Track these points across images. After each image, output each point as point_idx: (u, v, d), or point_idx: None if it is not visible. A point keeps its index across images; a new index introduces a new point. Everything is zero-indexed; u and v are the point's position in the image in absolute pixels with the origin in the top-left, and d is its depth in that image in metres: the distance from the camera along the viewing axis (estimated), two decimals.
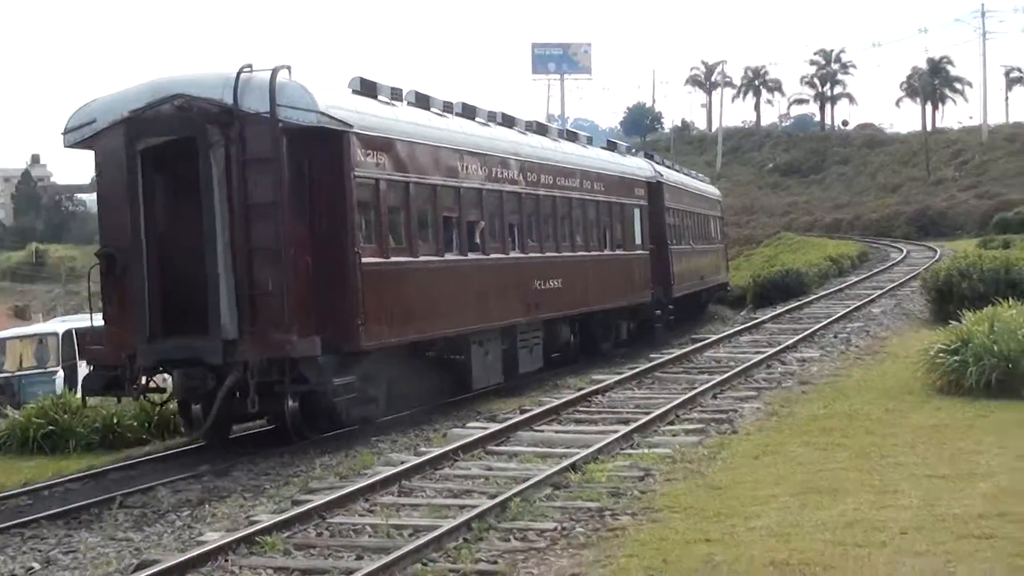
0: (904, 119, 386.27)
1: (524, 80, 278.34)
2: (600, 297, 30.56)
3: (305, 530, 12.27)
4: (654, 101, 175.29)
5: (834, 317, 31.48)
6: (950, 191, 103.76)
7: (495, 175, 25.07)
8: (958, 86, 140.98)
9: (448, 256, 22.86)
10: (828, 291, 42.20)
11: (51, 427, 24.32)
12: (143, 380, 19.69)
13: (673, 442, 16.18)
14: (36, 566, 12.86)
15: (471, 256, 23.86)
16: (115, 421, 24.50)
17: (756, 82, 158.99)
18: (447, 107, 24.45)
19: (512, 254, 25.78)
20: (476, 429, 17.80)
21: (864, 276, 49.36)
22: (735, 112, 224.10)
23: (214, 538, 12.13)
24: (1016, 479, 13.06)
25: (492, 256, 24.72)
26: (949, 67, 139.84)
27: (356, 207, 19.50)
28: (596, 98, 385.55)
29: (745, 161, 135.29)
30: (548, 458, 15.47)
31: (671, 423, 17.71)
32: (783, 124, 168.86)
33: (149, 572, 10.58)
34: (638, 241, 34.27)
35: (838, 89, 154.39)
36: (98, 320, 22.46)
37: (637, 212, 34.24)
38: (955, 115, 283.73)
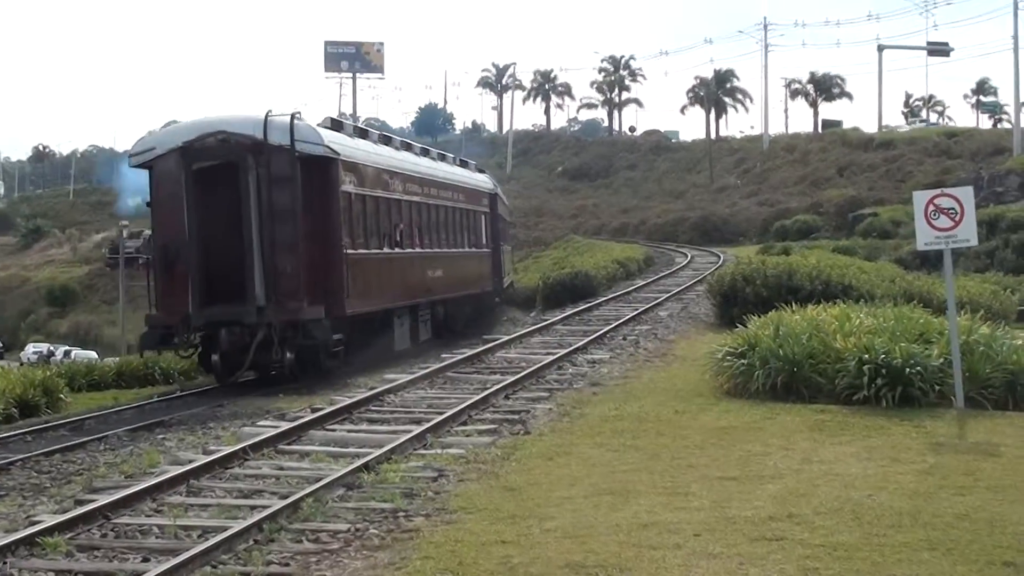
0: (689, 126, 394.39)
1: (317, 78, 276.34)
2: (463, 285, 38.79)
3: (89, 531, 11.83)
4: (446, 102, 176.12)
5: (623, 319, 31.79)
6: (732, 198, 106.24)
7: (407, 189, 33.05)
8: (740, 96, 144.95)
9: (386, 250, 30.99)
10: (616, 293, 42.61)
11: None
12: (194, 336, 27.53)
13: (466, 442, 16.09)
14: None
15: (396, 250, 31.86)
16: None
17: (546, 86, 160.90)
18: (384, 139, 33.94)
19: (416, 249, 33.62)
20: (267, 428, 17.45)
21: (651, 279, 50.02)
22: (526, 115, 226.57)
23: None
24: (802, 480, 13.33)
25: (407, 251, 32.82)
26: (733, 79, 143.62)
27: (340, 213, 27.50)
28: (389, 97, 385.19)
29: (535, 164, 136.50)
30: (340, 458, 15.25)
31: (464, 423, 17.61)
32: (572, 128, 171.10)
33: None
34: (484, 241, 42.89)
35: (626, 95, 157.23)
36: None
37: (483, 218, 42.96)
38: (737, 124, 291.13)
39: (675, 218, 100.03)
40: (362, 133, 32.10)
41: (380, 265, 30.34)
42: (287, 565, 10.62)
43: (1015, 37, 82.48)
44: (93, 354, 67.77)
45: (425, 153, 38.04)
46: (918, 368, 18.25)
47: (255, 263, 26.27)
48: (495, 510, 12.27)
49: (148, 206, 28.95)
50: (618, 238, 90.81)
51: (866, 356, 18.60)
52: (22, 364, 52.16)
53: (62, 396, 29.40)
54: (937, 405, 18.03)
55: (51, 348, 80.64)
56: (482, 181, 44.55)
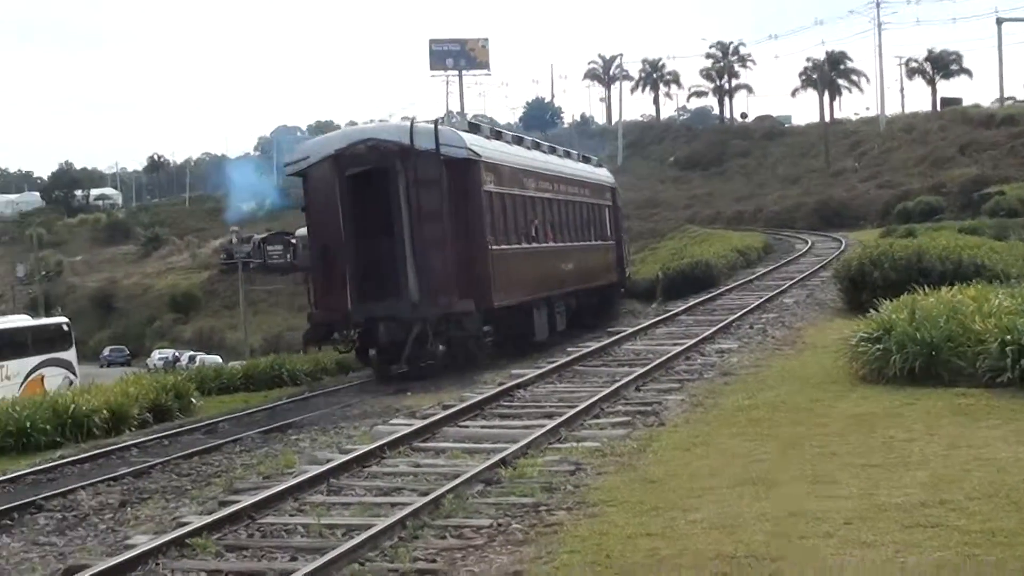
0: (802, 110, 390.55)
1: (423, 77, 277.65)
2: (592, 277, 40.12)
3: (236, 531, 11.92)
4: (553, 96, 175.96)
5: (748, 308, 31.45)
6: (850, 182, 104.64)
7: (539, 186, 34.77)
8: (854, 77, 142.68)
9: (524, 244, 32.62)
10: (738, 282, 42.20)
11: None
12: (353, 332, 29.47)
13: (601, 435, 15.96)
14: None
15: (533, 245, 33.49)
16: (28, 425, 24.08)
17: (654, 75, 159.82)
18: (516, 139, 35.98)
19: (550, 243, 35.26)
20: (400, 426, 17.46)
21: (772, 267, 49.44)
22: (634, 106, 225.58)
23: (142, 541, 11.75)
24: (951, 466, 13.00)
25: (542, 245, 34.47)
26: (846, 60, 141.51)
27: (484, 211, 29.35)
28: (495, 93, 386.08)
29: (646, 155, 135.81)
30: (476, 454, 15.21)
31: (597, 416, 17.49)
32: (681, 117, 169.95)
33: None
34: (608, 234, 44.07)
35: (736, 81, 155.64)
36: (4, 323, 23.58)
37: (607, 211, 44.25)
38: (852, 106, 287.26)
39: (792, 204, 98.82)
40: (497, 135, 34.14)
41: (520, 259, 31.94)
42: (434, 561, 10.58)
43: None
44: (217, 358, 68.68)
45: (552, 151, 39.77)
46: None
47: (408, 261, 28.32)
48: (637, 502, 12.12)
49: (303, 211, 31.06)
50: (735, 226, 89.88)
51: (1008, 338, 18.07)
52: (149, 370, 53.09)
53: (193, 400, 29.91)
54: None
55: (176, 354, 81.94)
56: (604, 175, 46.00)
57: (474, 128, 32.23)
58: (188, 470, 19.04)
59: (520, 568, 10.13)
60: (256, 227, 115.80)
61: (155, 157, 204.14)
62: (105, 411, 25.91)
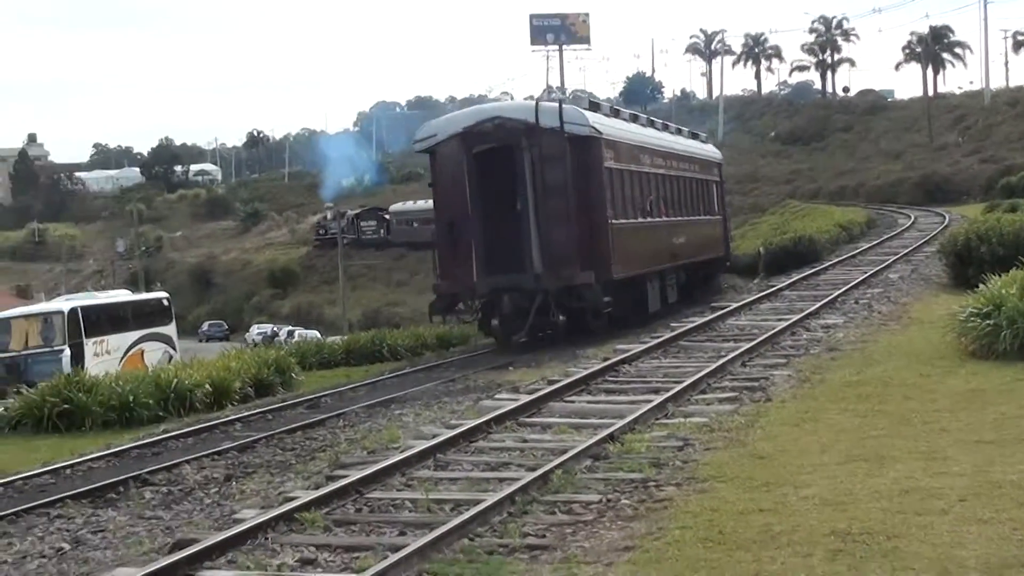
0: (905, 84, 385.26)
1: (523, 52, 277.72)
2: (700, 251, 40.87)
3: (344, 506, 11.96)
4: (653, 70, 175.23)
5: (852, 283, 31.07)
6: (954, 156, 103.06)
7: (653, 162, 35.57)
8: (959, 51, 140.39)
9: (640, 219, 33.53)
10: (841, 257, 41.71)
11: (66, 405, 24.20)
12: (477, 303, 30.48)
13: (708, 411, 15.85)
14: (66, 546, 12.50)
15: (648, 219, 34.38)
16: (131, 399, 24.38)
17: (756, 50, 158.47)
18: (632, 117, 37.29)
19: (663, 218, 36.07)
20: (506, 401, 17.44)
21: (875, 242, 48.79)
22: (735, 81, 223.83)
23: (251, 515, 11.82)
24: None
25: (657, 219, 35.34)
26: (950, 33, 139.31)
27: (605, 186, 30.20)
28: (595, 68, 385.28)
29: (747, 129, 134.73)
30: (582, 429, 15.16)
31: (703, 392, 17.37)
32: (783, 92, 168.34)
33: (190, 552, 10.24)
34: (716, 208, 45.14)
35: (839, 55, 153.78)
36: (105, 298, 23.81)
37: (714, 187, 45.24)
38: (956, 80, 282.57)
39: (894, 179, 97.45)
40: (615, 112, 35.26)
41: (637, 233, 32.95)
42: (543, 536, 10.54)
43: None
44: (316, 333, 69.15)
45: (665, 128, 40.98)
46: None
47: (532, 235, 29.31)
48: (747, 478, 12.01)
49: (430, 187, 32.15)
50: (836, 201, 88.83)
51: None
52: (247, 345, 53.58)
53: (294, 375, 30.13)
54: None
55: (275, 328, 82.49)
56: (711, 151, 47.07)
57: (594, 106, 32.95)
58: (292, 444, 19.15)
59: (631, 544, 10.07)
60: (353, 203, 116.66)
61: (254, 133, 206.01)
62: (208, 386, 26.21)
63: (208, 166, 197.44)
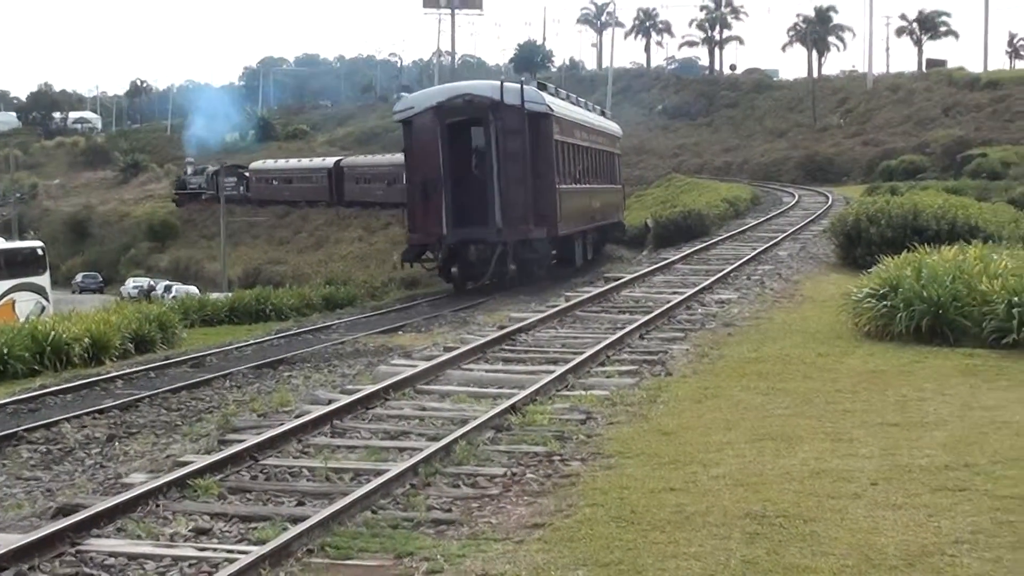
0: (790, 65, 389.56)
1: (415, 14, 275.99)
2: (607, 215, 46.07)
3: (238, 472, 11.51)
4: (544, 39, 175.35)
5: (743, 259, 31.08)
6: (836, 138, 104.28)
7: (581, 136, 40.71)
8: (842, 34, 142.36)
9: (574, 185, 38.99)
10: (730, 233, 41.78)
11: None
12: (445, 253, 34.77)
13: (609, 384, 15.60)
14: None
15: (579, 186, 39.77)
16: (5, 352, 23.53)
17: (647, 23, 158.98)
18: (567, 96, 42.10)
19: (587, 185, 41.46)
20: (403, 367, 17.00)
21: (762, 219, 49.01)
22: (624, 53, 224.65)
23: (140, 480, 11.33)
24: (968, 428, 12.72)
25: (584, 186, 40.90)
26: (833, 15, 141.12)
27: (554, 156, 35.36)
28: (487, 34, 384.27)
29: (635, 102, 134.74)
30: (481, 398, 14.87)
31: (602, 364, 17.11)
32: (669, 66, 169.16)
33: (76, 519, 9.70)
34: (617, 178, 51.20)
35: (727, 33, 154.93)
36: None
37: (616, 159, 51.13)
38: (839, 63, 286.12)
39: (778, 157, 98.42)
40: (555, 92, 40.15)
41: (572, 197, 38.33)
42: (449, 511, 10.22)
43: None
44: (194, 289, 68.06)
45: (585, 106, 46.05)
46: None
47: (495, 195, 34.03)
48: (654, 455, 11.79)
49: (403, 152, 37.12)
50: (721, 177, 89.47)
51: (1016, 299, 17.87)
52: (122, 299, 52.51)
53: (177, 331, 29.46)
54: None
55: (152, 283, 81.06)
56: (614, 127, 52.57)
57: (542, 87, 37.99)
58: (177, 405, 18.67)
59: (541, 520, 9.78)
60: (238, 159, 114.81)
61: (138, 82, 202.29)
62: (86, 340, 25.41)
63: (88, 114, 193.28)
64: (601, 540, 9.17)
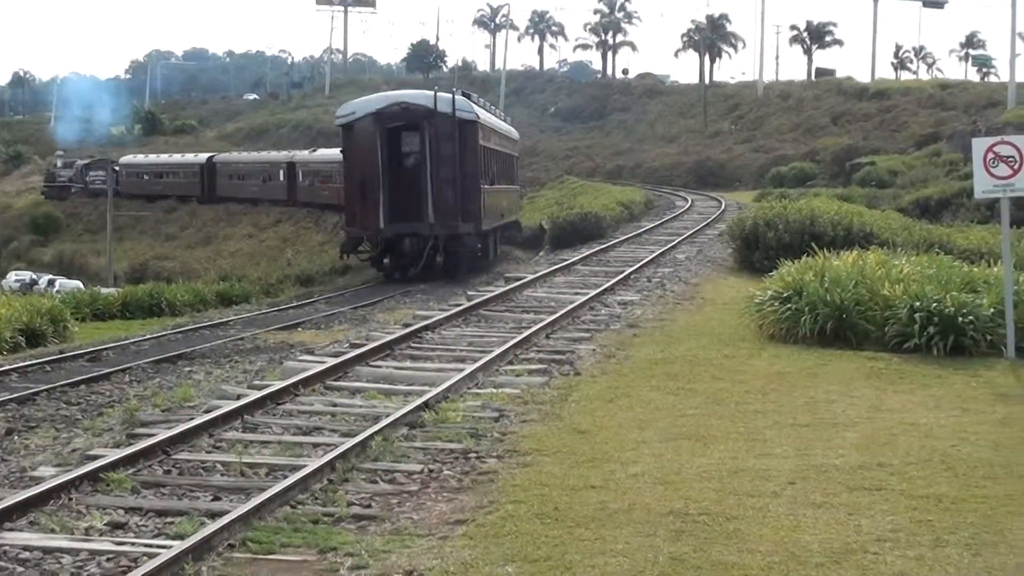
0: (682, 70, 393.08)
1: (307, 10, 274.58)
2: (510, 214, 49.44)
3: (150, 467, 11.30)
4: (438, 39, 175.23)
5: (642, 261, 31.17)
6: (727, 144, 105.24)
7: (493, 141, 43.63)
8: (734, 41, 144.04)
9: (491, 185, 41.87)
10: (627, 236, 41.90)
11: None
12: (382, 245, 38.01)
13: (518, 382, 15.57)
14: None
15: (493, 186, 42.41)
16: None
17: (540, 26, 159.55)
18: (485, 104, 46.02)
19: (496, 186, 43.78)
20: (311, 363, 16.83)
21: (657, 223, 49.27)
22: (517, 55, 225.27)
23: (50, 473, 11.09)
24: (878, 429, 12.92)
25: (497, 186, 43.83)
26: (726, 23, 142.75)
27: (480, 159, 38.64)
28: (381, 33, 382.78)
29: (527, 103, 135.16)
30: (392, 395, 14.74)
31: (511, 363, 17.07)
32: (561, 69, 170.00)
33: None
34: (516, 178, 54.42)
35: (621, 38, 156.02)
36: None
37: (515, 161, 54.09)
38: (730, 69, 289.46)
39: (671, 162, 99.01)
40: (476, 101, 42.58)
41: (491, 196, 41.51)
42: (369, 506, 10.14)
43: None
44: (78, 283, 66.80)
45: (491, 111, 48.54)
46: (970, 317, 17.85)
47: (428, 193, 36.97)
48: (571, 453, 11.78)
49: (341, 153, 40.19)
50: (614, 180, 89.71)
51: (917, 304, 18.17)
52: (3, 292, 51.48)
53: (69, 326, 28.92)
54: (988, 355, 17.67)
55: (34, 276, 79.30)
56: (514, 131, 55.51)
57: (467, 96, 40.82)
58: (76, 399, 18.29)
59: (463, 517, 9.72)
60: (124, 152, 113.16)
61: (20, 72, 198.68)
62: None
63: None
64: (526, 536, 9.14)
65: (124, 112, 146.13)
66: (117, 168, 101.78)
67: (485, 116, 41.81)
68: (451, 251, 37.27)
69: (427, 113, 37.17)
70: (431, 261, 36.92)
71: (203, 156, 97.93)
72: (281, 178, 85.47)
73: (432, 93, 38.16)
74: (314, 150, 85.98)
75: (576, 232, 44.27)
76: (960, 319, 17.82)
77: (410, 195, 36.90)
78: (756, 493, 10.28)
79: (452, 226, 37.15)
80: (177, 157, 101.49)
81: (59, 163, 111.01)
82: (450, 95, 38.08)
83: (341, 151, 40.44)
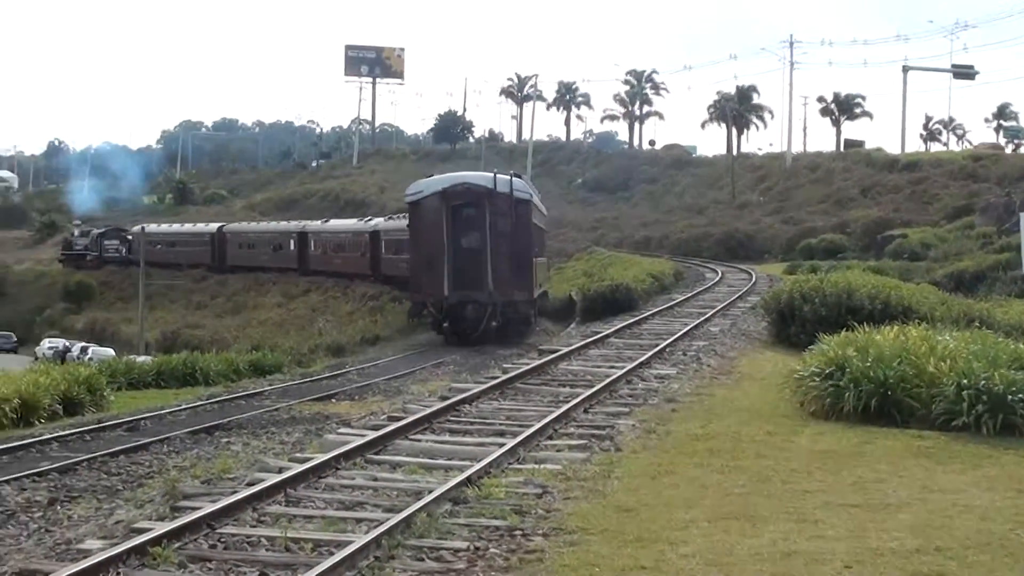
0: (709, 142, 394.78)
1: (337, 82, 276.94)
2: (542, 284, 51.33)
3: (196, 540, 11.18)
4: (465, 110, 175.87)
5: (676, 335, 30.95)
6: (755, 215, 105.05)
7: (539, 218, 48.04)
8: (761, 113, 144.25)
9: (537, 258, 46.19)
10: (659, 308, 41.68)
11: None
12: (446, 311, 42.25)
13: (560, 458, 15.39)
14: None
15: (538, 259, 46.53)
16: None
17: (567, 97, 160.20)
18: (529, 182, 49.78)
19: (539, 258, 47.50)
20: (351, 436, 16.71)
21: (688, 295, 49.02)
22: (542, 126, 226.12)
23: (97, 547, 10.99)
24: (932, 511, 12.67)
25: (540, 258, 48.19)
26: (755, 94, 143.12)
27: (532, 234, 43.61)
28: (408, 103, 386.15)
29: (554, 175, 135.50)
30: (434, 470, 14.59)
31: (551, 438, 16.90)
32: (588, 140, 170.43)
33: None
34: (545, 250, 56.51)
35: (648, 108, 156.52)
36: None
37: (543, 233, 55.70)
38: (757, 141, 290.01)
39: (698, 233, 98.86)
40: (528, 183, 47.71)
41: (537, 268, 45.78)
42: None
43: None
44: (111, 351, 67.05)
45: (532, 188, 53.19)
46: (1020, 396, 17.57)
47: (488, 264, 41.30)
48: (617, 532, 11.61)
49: (408, 228, 45.12)
50: (641, 251, 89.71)
51: (965, 381, 17.91)
52: (37, 359, 51.65)
53: (105, 394, 28.96)
54: None
55: (67, 344, 79.66)
56: (542, 204, 58.06)
57: (518, 176, 44.90)
58: (117, 469, 18.24)
59: None
60: (154, 221, 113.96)
61: (55, 142, 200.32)
62: (16, 400, 24.90)
63: (5, 173, 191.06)
64: None
65: (155, 181, 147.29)
66: (130, 237, 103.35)
67: (536, 196, 46.72)
68: (507, 317, 41.48)
69: (487, 193, 41.79)
70: (489, 325, 40.96)
71: (214, 226, 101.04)
72: (292, 247, 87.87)
73: (492, 175, 42.79)
74: (326, 220, 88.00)
75: (607, 304, 44.36)
76: (1010, 397, 17.55)
77: (472, 266, 41.26)
78: None
79: (508, 293, 41.58)
80: (188, 227, 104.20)
81: (76, 232, 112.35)
82: (508, 177, 42.56)
83: (408, 226, 45.19)
